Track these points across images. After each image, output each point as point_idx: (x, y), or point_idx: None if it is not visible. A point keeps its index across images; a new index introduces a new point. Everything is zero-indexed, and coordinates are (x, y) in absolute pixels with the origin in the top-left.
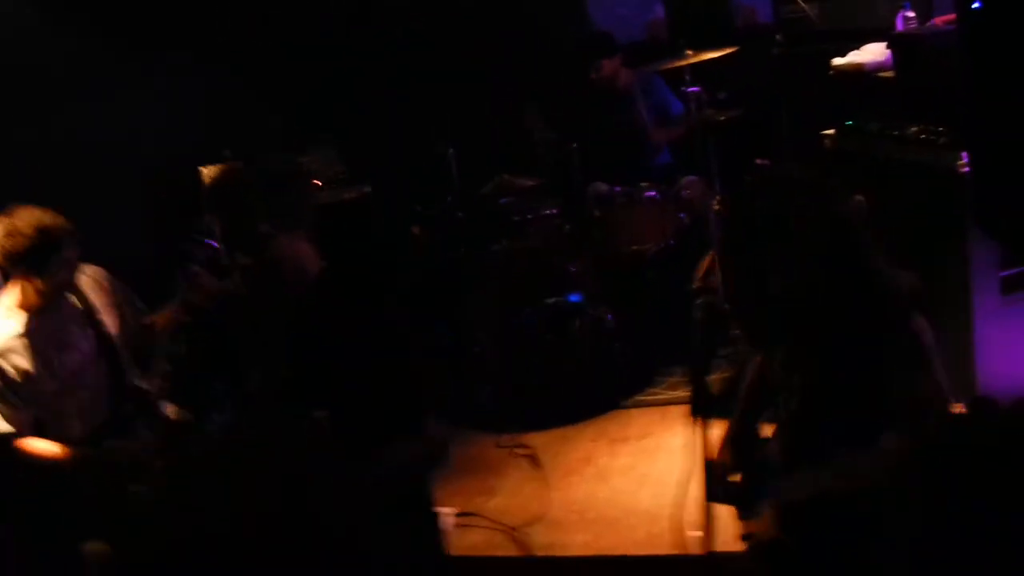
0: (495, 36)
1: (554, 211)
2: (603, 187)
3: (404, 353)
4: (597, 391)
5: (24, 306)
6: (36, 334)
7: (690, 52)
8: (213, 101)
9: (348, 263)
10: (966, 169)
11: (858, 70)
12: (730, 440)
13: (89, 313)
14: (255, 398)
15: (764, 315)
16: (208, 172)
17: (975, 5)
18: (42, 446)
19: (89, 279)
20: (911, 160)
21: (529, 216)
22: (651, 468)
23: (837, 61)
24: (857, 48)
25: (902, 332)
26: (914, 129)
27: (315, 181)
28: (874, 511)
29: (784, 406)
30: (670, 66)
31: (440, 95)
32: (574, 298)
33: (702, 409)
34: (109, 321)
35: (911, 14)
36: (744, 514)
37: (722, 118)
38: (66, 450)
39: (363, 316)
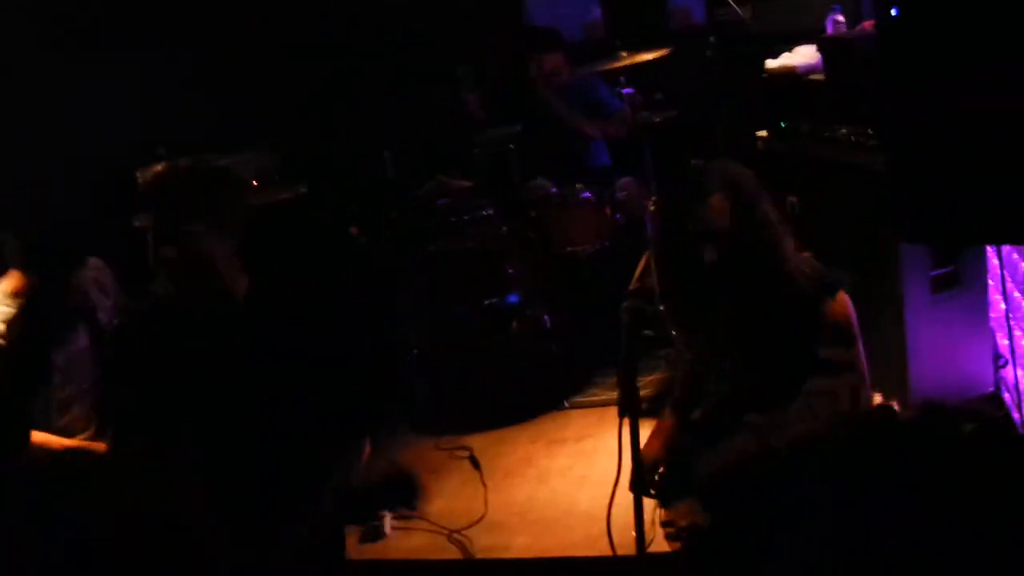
0: (432, 35)
1: (491, 212)
2: (544, 184)
3: (346, 366)
4: (535, 393)
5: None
6: None
7: (625, 54)
8: (149, 99)
9: (281, 270)
10: None
11: (790, 72)
12: (659, 431)
13: (86, 308)
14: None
15: (693, 298)
16: (144, 173)
17: (893, 12)
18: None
19: (89, 273)
20: (842, 161)
21: (466, 217)
22: (590, 469)
23: (770, 63)
24: (789, 50)
25: (822, 311)
26: (844, 131)
27: (252, 182)
28: (790, 487)
29: (715, 391)
30: (606, 67)
31: (376, 95)
32: (512, 299)
33: (629, 409)
34: (105, 317)
35: (840, 17)
36: (664, 502)
37: (658, 119)
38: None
39: (298, 333)
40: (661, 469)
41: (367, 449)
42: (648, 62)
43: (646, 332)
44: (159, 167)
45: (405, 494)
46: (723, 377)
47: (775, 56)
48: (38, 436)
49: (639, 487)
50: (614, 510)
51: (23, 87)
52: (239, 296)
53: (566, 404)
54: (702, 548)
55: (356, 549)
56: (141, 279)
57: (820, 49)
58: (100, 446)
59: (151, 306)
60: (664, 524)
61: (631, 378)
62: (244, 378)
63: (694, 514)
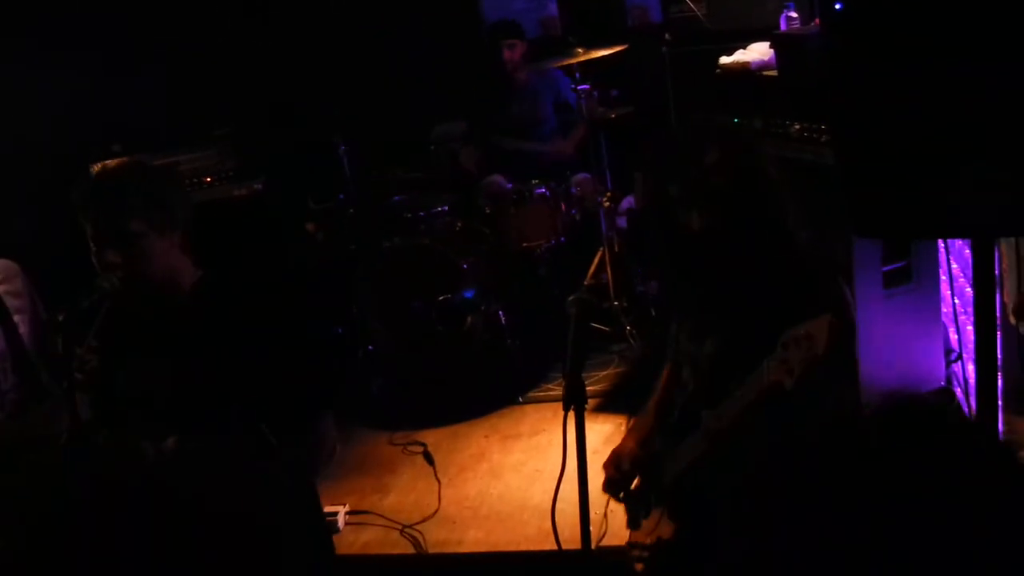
0: (389, 30)
1: (446, 208)
2: (499, 180)
3: (296, 352)
4: (490, 388)
5: None
6: None
7: (580, 50)
8: (105, 96)
9: (233, 264)
10: None
11: (744, 69)
12: (635, 429)
13: (1, 311)
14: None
15: (680, 276)
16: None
17: (837, 6)
18: None
19: (1, 275)
20: (795, 157)
21: (421, 213)
22: (543, 464)
23: (724, 60)
24: (743, 47)
25: (824, 300)
26: (797, 127)
27: (207, 179)
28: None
29: (690, 380)
30: (562, 63)
31: (333, 90)
32: (467, 295)
33: (574, 403)
34: (20, 319)
35: (794, 14)
36: (631, 523)
37: (613, 116)
38: None
39: (248, 320)
40: (636, 481)
41: (335, 447)
42: (604, 58)
43: (595, 326)
44: (105, 164)
45: None
46: (699, 365)
47: (729, 54)
48: None
49: (610, 487)
50: (567, 506)
51: None
52: (186, 288)
53: (520, 399)
54: (665, 564)
55: None
56: (92, 274)
57: (773, 45)
58: None
59: (97, 301)
60: (631, 546)
61: (576, 371)
62: (194, 373)
63: (660, 527)
